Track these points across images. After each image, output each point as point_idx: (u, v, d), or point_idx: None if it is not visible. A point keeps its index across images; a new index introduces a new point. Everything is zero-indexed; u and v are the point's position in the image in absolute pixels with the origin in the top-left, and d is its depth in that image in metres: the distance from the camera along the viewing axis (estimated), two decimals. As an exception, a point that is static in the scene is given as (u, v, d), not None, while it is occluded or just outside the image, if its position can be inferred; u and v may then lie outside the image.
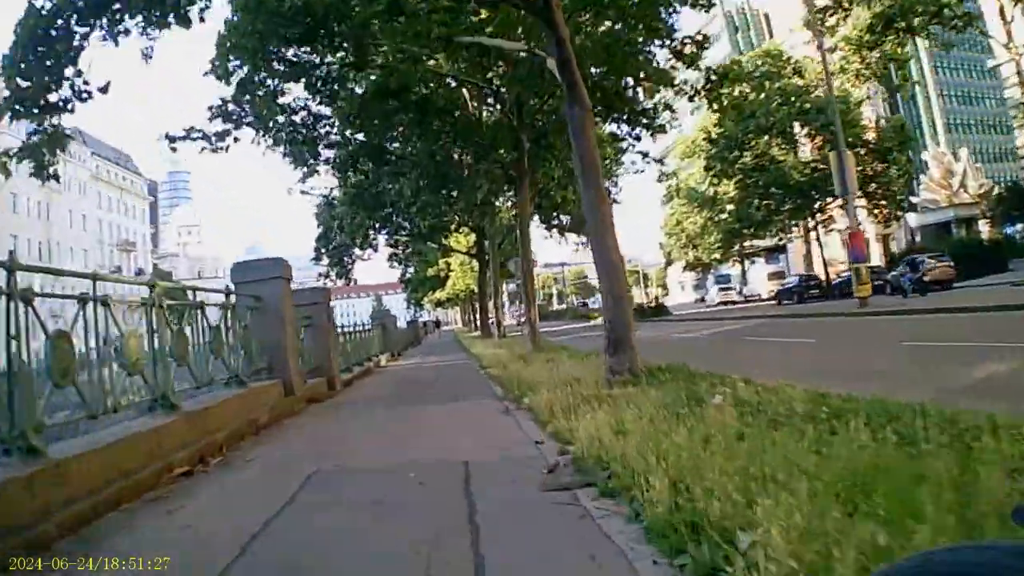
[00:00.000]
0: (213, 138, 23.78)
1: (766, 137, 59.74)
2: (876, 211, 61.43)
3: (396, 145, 33.71)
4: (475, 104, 30.87)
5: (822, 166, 56.28)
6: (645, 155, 36.46)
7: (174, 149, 23.82)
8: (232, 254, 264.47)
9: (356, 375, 23.61)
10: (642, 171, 44.03)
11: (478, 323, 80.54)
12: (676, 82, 26.39)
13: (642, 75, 25.39)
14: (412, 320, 78.28)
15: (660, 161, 43.01)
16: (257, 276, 14.67)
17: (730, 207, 70.17)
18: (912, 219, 73.25)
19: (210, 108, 23.89)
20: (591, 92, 20.28)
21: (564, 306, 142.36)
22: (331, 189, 40.14)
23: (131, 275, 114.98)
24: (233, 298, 12.98)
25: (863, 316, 31.70)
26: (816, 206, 60.91)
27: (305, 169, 29.75)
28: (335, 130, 29.12)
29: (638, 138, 32.90)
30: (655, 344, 25.78)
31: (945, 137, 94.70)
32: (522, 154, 27.65)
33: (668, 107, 31.17)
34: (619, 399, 9.91)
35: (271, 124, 25.33)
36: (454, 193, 41.34)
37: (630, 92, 28.15)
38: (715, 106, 27.45)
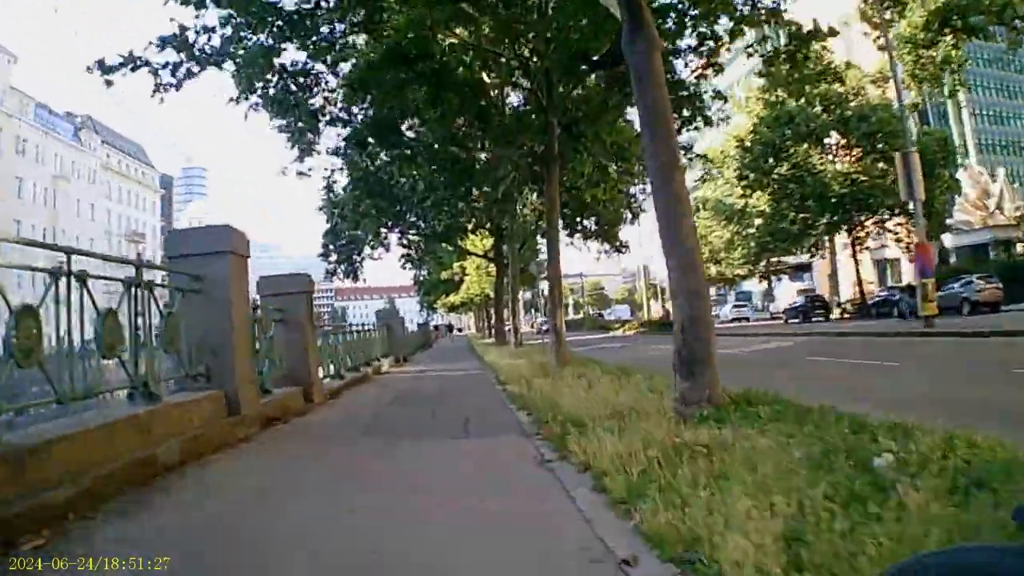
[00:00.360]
0: (161, 71, 18.97)
1: (805, 145, 55.63)
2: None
3: (408, 126, 29.51)
4: (499, 79, 26.90)
5: (863, 178, 52.71)
6: (687, 150, 31.95)
7: (109, 83, 18.98)
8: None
9: (348, 382, 20.05)
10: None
11: (492, 329, 77.29)
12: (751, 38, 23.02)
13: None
14: (423, 323, 74.70)
15: (705, 157, 39.57)
16: (199, 249, 10.62)
17: (759, 221, 66.18)
18: (947, 240, 69.02)
19: (166, 38, 18.86)
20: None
21: (580, 316, 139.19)
22: (330, 171, 35.25)
23: None
24: (154, 275, 9.30)
25: (933, 336, 28.62)
26: (854, 221, 57.00)
27: (301, 147, 25.66)
28: (338, 103, 25.28)
29: (678, 129, 28.10)
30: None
31: (976, 157, 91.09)
32: (552, 139, 23.76)
33: (720, 95, 27.98)
34: (714, 449, 6.40)
35: (257, 83, 21.42)
36: (472, 189, 38.48)
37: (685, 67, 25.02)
38: (790, 74, 23.97)
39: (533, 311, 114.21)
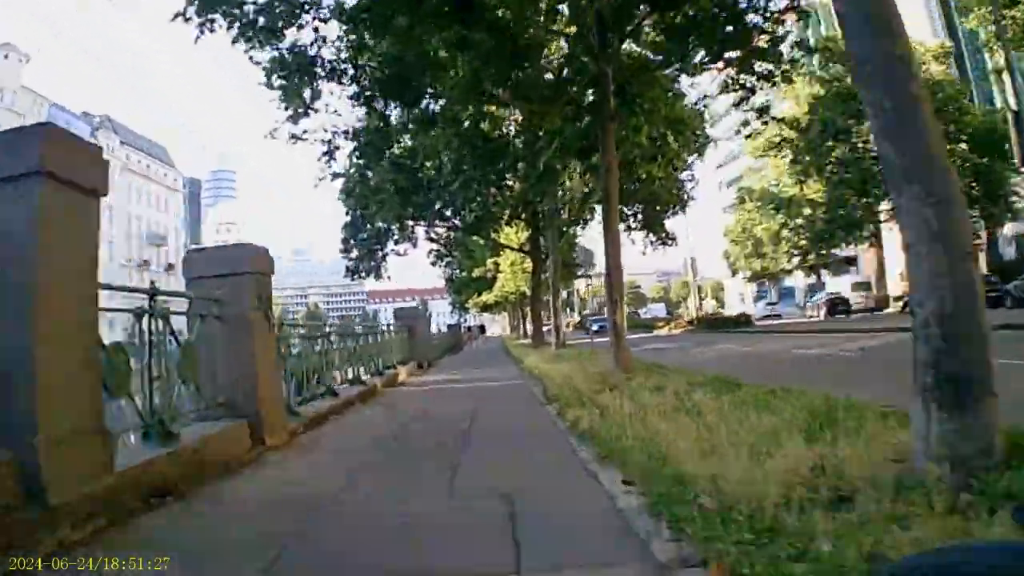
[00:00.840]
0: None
1: (867, 124, 49.83)
2: (982, 215, 51.73)
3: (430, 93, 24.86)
4: (541, 20, 21.80)
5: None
6: (763, 111, 26.52)
7: None
8: (277, 256, 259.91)
9: (343, 402, 14.63)
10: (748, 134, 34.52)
11: (527, 329, 72.76)
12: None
13: None
14: (453, 324, 69.48)
15: (783, 121, 34.74)
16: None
17: (808, 211, 62.46)
18: (1008, 228, 63.04)
19: None
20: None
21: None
22: (331, 133, 29.63)
23: (159, 269, 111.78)
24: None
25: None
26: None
27: (295, 103, 20.74)
28: (339, 48, 20.39)
29: (752, 90, 23.18)
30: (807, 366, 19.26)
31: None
32: (606, 91, 19.00)
33: (807, 47, 24.12)
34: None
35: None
36: (505, 171, 34.91)
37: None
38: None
39: (568, 310, 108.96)
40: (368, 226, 45.52)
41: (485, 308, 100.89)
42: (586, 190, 32.02)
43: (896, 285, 69.97)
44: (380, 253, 47.51)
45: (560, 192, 35.72)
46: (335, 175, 33.31)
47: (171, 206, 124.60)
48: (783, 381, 11.69)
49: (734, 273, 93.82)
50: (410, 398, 17.86)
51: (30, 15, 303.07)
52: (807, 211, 62.40)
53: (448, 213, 45.66)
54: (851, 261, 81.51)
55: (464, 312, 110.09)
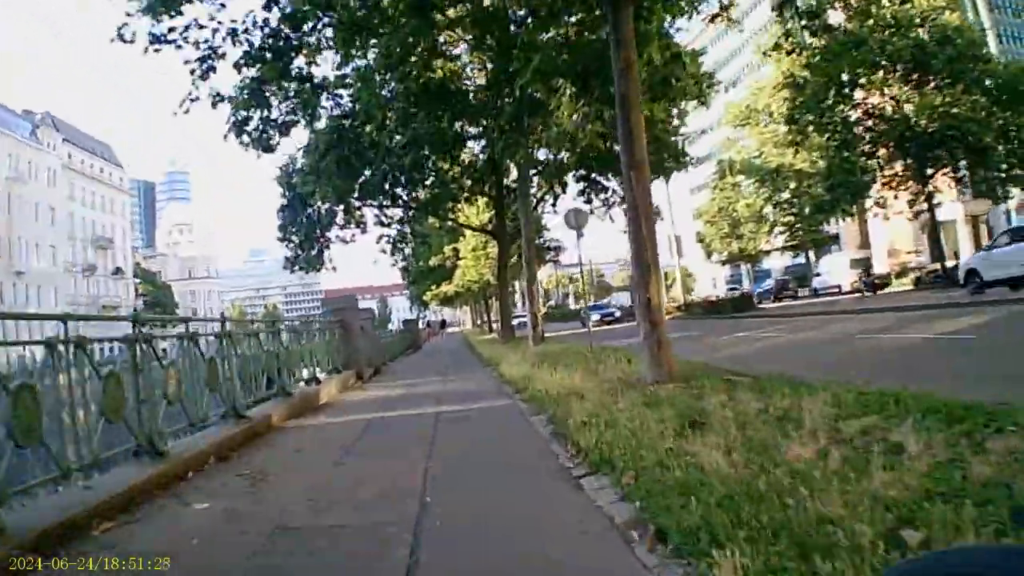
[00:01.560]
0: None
1: (880, 74, 42.59)
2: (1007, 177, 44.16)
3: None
4: None
5: (958, 110, 39.94)
6: (814, 16, 19.35)
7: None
8: (234, 257, 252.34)
9: (187, 459, 7.90)
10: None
11: (492, 322, 65.10)
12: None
13: None
14: (409, 320, 61.00)
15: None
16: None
17: (793, 184, 57.21)
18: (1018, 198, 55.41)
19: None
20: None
21: (581, 306, 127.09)
22: (244, 89, 22.80)
23: (107, 275, 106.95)
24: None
25: None
26: (938, 166, 43.73)
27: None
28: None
29: None
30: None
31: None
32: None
33: None
34: None
35: None
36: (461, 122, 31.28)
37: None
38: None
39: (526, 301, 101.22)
40: (308, 208, 38.23)
41: (445, 301, 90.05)
42: (579, 137, 23.84)
43: (884, 261, 63.27)
44: (321, 240, 40.02)
45: (538, 144, 27.89)
46: (219, 99, 24.92)
47: (117, 206, 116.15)
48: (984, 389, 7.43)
49: (708, 255, 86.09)
50: (319, 443, 10.23)
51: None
52: (792, 184, 57.20)
53: (399, 191, 38.77)
54: (834, 238, 75.72)
55: (423, 307, 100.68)
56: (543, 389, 12.17)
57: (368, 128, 28.16)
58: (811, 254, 74.61)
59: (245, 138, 25.45)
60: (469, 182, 38.79)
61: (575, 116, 19.48)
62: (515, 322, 41.79)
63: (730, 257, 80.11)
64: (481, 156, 37.83)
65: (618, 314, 62.49)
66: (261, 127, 25.66)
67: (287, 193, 38.72)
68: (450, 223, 47.58)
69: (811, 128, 46.29)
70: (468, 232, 52.90)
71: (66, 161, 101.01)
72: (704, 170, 77.83)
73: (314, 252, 39.52)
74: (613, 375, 12.72)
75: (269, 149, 25.27)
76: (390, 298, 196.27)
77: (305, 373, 16.09)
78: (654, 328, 11.70)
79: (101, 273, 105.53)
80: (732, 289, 77.47)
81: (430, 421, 10.87)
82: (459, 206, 43.34)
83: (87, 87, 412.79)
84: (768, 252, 78.76)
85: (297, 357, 15.58)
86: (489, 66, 27.56)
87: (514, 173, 37.11)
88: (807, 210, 55.22)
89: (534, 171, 34.51)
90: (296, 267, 40.74)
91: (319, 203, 36.32)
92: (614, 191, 38.38)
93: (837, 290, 58.47)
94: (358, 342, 21.57)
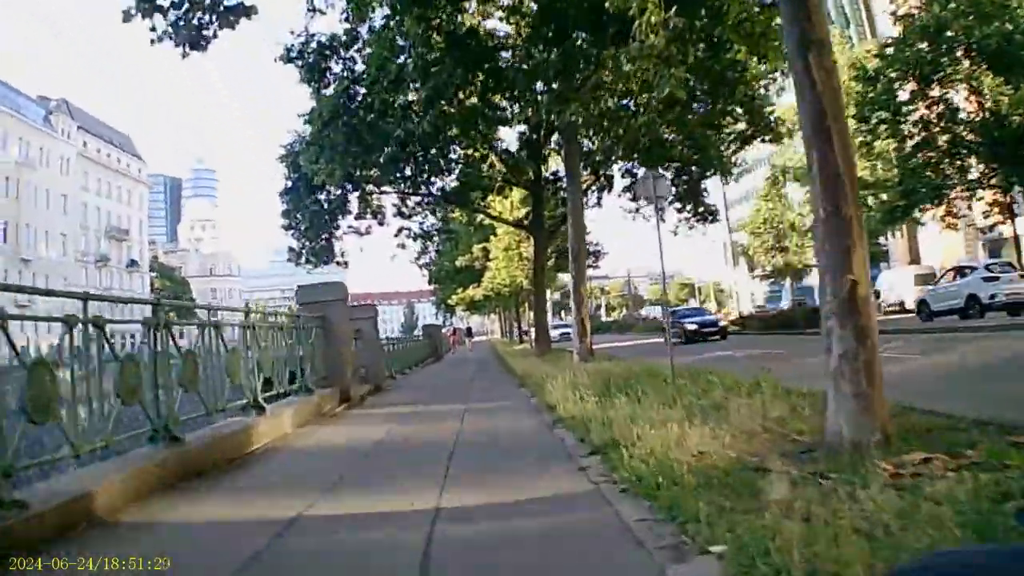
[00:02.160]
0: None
1: (966, 64, 36.45)
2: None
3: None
4: None
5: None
6: None
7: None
8: (260, 257, 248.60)
9: None
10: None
11: (521, 332, 63.14)
12: None
13: None
14: (430, 325, 54.57)
15: None
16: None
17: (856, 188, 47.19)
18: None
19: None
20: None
21: (612, 318, 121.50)
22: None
23: (121, 267, 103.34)
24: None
25: None
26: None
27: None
28: None
29: None
30: None
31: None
32: None
33: None
34: None
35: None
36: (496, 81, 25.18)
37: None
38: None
39: (562, 314, 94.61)
40: (315, 192, 32.54)
41: (473, 306, 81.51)
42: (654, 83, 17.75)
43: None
44: (331, 229, 34.44)
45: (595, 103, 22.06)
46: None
47: (135, 198, 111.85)
48: None
49: (752, 269, 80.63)
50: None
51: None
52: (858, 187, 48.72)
53: (422, 177, 33.43)
54: (883, 256, 68.76)
55: (450, 313, 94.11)
56: (650, 457, 6.36)
57: (381, 86, 23.46)
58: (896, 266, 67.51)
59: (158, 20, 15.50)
60: (503, 169, 33.45)
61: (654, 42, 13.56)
62: (554, 333, 36.32)
63: (775, 271, 73.91)
64: (516, 142, 33.47)
65: (722, 323, 45.18)
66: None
67: (291, 174, 33.17)
68: (479, 216, 41.85)
69: (883, 127, 40.57)
70: (500, 229, 46.98)
71: (81, 149, 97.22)
72: (743, 183, 72.77)
73: (321, 243, 33.95)
74: (755, 424, 7.35)
75: (197, 44, 14.34)
76: (417, 304, 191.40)
77: (245, 395, 10.29)
78: (861, 339, 5.99)
79: (115, 265, 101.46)
80: (799, 303, 70.43)
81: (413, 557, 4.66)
82: (491, 197, 37.81)
83: (124, 85, 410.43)
84: (812, 267, 71.21)
85: (233, 368, 9.86)
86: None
87: (553, 165, 34.67)
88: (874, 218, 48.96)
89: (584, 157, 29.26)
90: (302, 260, 34.91)
91: (327, 185, 30.41)
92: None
93: (899, 307, 52.91)
94: (346, 349, 15.58)
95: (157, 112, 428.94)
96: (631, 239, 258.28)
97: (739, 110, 26.77)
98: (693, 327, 39.55)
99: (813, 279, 75.80)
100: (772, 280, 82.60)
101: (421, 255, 47.09)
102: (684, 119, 26.71)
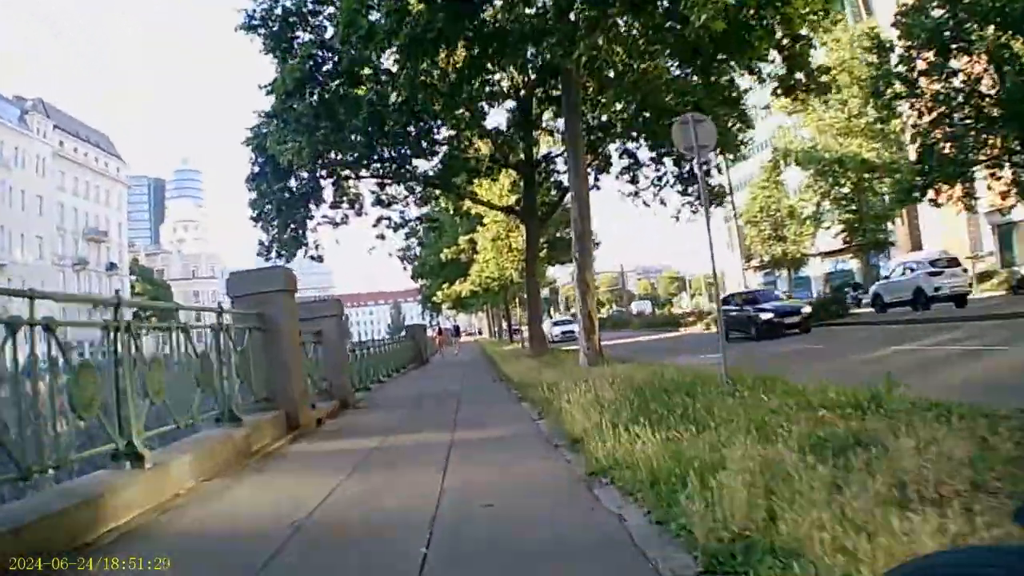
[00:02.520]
0: None
1: (991, 29, 33.08)
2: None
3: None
4: None
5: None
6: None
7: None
8: (248, 258, 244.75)
9: None
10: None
11: (512, 330, 59.11)
12: None
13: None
14: (413, 325, 50.35)
15: None
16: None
17: (852, 176, 49.62)
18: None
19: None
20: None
21: (602, 315, 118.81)
22: None
23: (100, 270, 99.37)
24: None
25: None
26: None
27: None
28: None
29: None
30: None
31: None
32: None
33: None
34: None
35: None
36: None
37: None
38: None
39: (550, 311, 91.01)
40: (283, 176, 28.71)
41: (459, 303, 76.54)
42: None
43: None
44: (303, 217, 30.56)
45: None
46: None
47: (113, 198, 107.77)
48: None
49: (748, 259, 77.70)
50: None
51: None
52: (854, 176, 49.34)
53: (399, 157, 30.26)
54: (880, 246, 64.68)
55: (436, 312, 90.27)
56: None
57: (350, 44, 20.64)
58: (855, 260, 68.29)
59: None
60: (491, 149, 30.72)
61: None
62: (554, 331, 32.87)
63: (773, 261, 70.75)
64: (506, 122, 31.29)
65: (806, 310, 32.27)
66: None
67: (258, 159, 29.20)
68: (465, 203, 37.82)
69: (900, 102, 37.83)
70: (488, 218, 43.07)
71: (57, 149, 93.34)
72: (738, 171, 69.88)
73: (291, 234, 30.35)
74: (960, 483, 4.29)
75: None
76: (404, 304, 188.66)
77: (111, 436, 6.57)
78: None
79: (93, 268, 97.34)
80: (844, 290, 65.71)
81: None
82: (478, 182, 34.42)
83: (108, 88, 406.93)
84: (814, 256, 71.81)
85: (84, 396, 6.15)
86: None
87: (544, 148, 32.43)
88: (892, 196, 46.04)
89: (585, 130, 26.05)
90: (272, 254, 31.22)
91: (295, 167, 26.36)
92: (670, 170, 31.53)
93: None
94: (294, 357, 11.66)
95: (144, 115, 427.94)
96: (618, 232, 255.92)
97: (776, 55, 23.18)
98: (769, 317, 29.78)
99: (811, 268, 73.15)
100: (766, 271, 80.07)
101: (406, 252, 43.74)
102: (709, 68, 23.35)
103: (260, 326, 10.93)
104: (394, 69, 21.55)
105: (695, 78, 24.58)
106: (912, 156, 41.16)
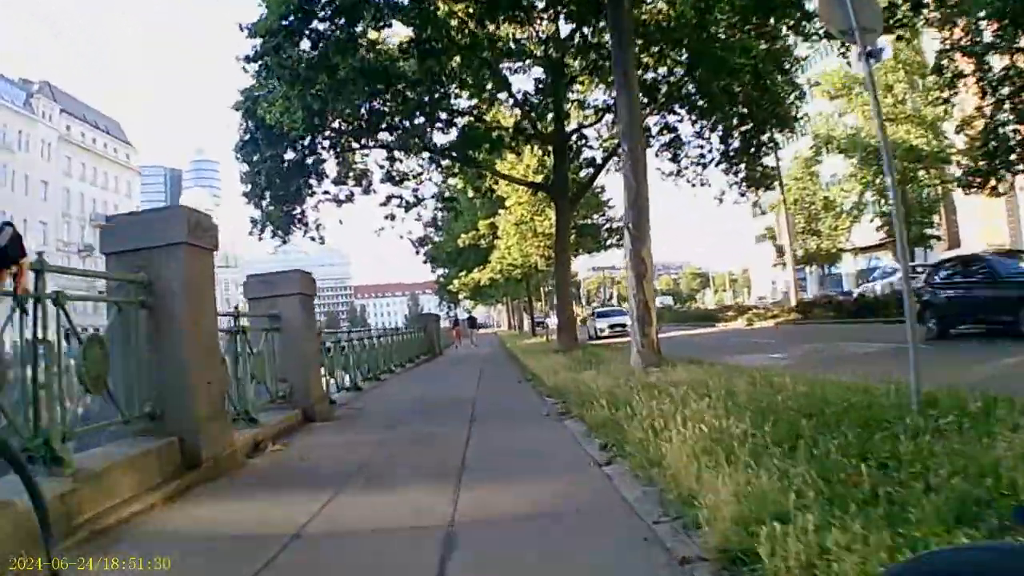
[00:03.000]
0: None
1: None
2: None
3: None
4: None
5: None
6: None
7: None
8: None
9: None
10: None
11: (534, 323, 56.75)
12: None
13: None
14: (425, 315, 46.29)
15: None
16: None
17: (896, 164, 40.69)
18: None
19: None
20: None
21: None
22: None
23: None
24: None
25: None
26: None
27: None
28: None
29: None
30: None
31: None
32: None
33: None
34: None
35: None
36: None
37: None
38: None
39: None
40: (276, 148, 25.04)
41: (477, 292, 70.73)
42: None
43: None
44: (299, 190, 26.75)
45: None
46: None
47: (122, 185, 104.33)
48: None
49: (781, 254, 73.64)
50: None
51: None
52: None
53: (412, 125, 26.13)
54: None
55: (453, 303, 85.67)
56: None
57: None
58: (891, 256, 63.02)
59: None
60: (518, 116, 27.81)
61: None
62: (599, 325, 34.17)
63: (806, 256, 67.55)
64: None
65: None
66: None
67: (248, 124, 25.49)
68: (486, 182, 33.61)
69: (965, 78, 33.65)
70: (511, 200, 38.82)
71: (64, 133, 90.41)
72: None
73: (285, 209, 27.03)
74: None
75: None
76: (421, 296, 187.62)
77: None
78: None
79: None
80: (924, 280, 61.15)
81: None
82: (502, 156, 31.00)
83: (113, 87, 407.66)
84: (848, 252, 68.04)
85: None
86: None
87: (574, 122, 29.06)
88: (944, 185, 46.07)
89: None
90: (265, 233, 27.80)
91: (286, 129, 22.65)
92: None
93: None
94: (194, 352, 6.90)
95: (151, 113, 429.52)
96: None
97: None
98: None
99: (844, 265, 72.30)
100: (798, 267, 76.86)
101: (423, 240, 39.94)
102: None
103: (148, 301, 6.55)
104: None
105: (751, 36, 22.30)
106: (960, 144, 38.62)
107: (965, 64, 33.16)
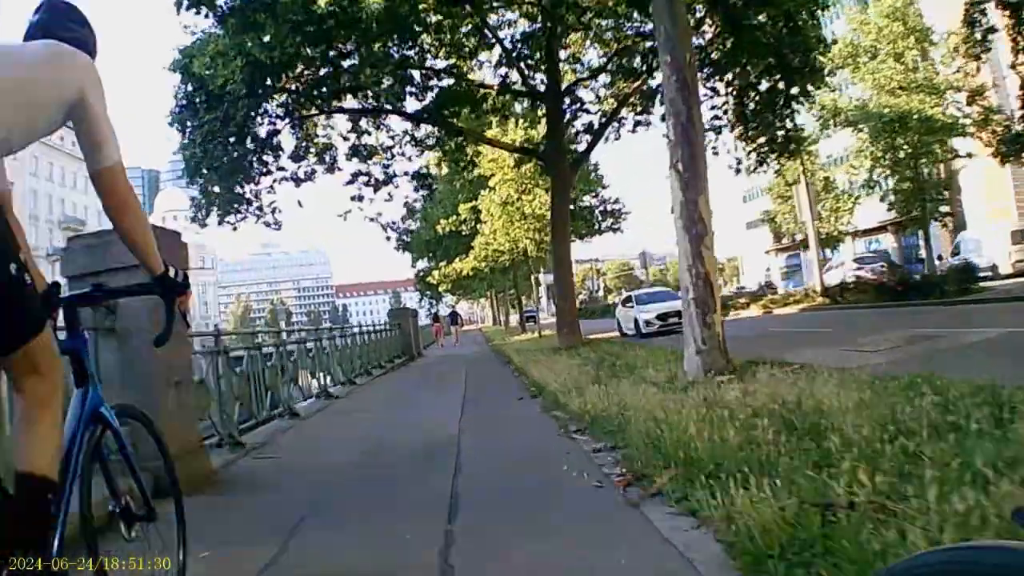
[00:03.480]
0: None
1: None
2: None
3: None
4: None
5: None
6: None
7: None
8: (243, 247, 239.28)
9: None
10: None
11: (523, 317, 53.49)
12: None
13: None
14: (399, 310, 41.62)
15: None
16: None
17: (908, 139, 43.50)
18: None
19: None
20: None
21: (610, 302, 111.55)
22: None
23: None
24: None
25: None
26: None
27: None
28: None
29: None
30: None
31: None
32: None
33: None
34: None
35: None
36: None
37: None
38: None
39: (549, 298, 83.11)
40: (216, 109, 20.13)
41: (458, 284, 64.49)
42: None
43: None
44: (239, 159, 22.43)
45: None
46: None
47: (92, 185, 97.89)
48: None
49: (778, 238, 73.81)
50: None
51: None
52: (911, 136, 42.88)
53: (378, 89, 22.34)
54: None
55: (435, 299, 79.94)
56: None
57: None
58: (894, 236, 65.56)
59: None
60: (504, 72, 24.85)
61: None
62: (642, 317, 28.69)
63: (805, 240, 63.55)
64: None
65: None
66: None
67: (185, 86, 21.14)
68: (468, 149, 29.13)
69: (998, 32, 31.38)
70: (496, 178, 34.72)
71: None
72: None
73: (226, 188, 23.13)
74: None
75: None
76: (403, 293, 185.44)
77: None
78: None
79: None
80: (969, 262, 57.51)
81: None
82: (488, 120, 27.51)
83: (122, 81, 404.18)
84: (847, 235, 63.33)
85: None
86: None
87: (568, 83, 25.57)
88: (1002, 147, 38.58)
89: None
90: (208, 215, 24.18)
91: (228, 88, 18.71)
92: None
93: (992, 272, 40.10)
94: None
95: (139, 107, 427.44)
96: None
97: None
98: None
99: (842, 249, 66.09)
100: (790, 253, 77.28)
101: (393, 227, 36.00)
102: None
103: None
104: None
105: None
106: (975, 113, 38.96)
107: (1000, 17, 30.49)
